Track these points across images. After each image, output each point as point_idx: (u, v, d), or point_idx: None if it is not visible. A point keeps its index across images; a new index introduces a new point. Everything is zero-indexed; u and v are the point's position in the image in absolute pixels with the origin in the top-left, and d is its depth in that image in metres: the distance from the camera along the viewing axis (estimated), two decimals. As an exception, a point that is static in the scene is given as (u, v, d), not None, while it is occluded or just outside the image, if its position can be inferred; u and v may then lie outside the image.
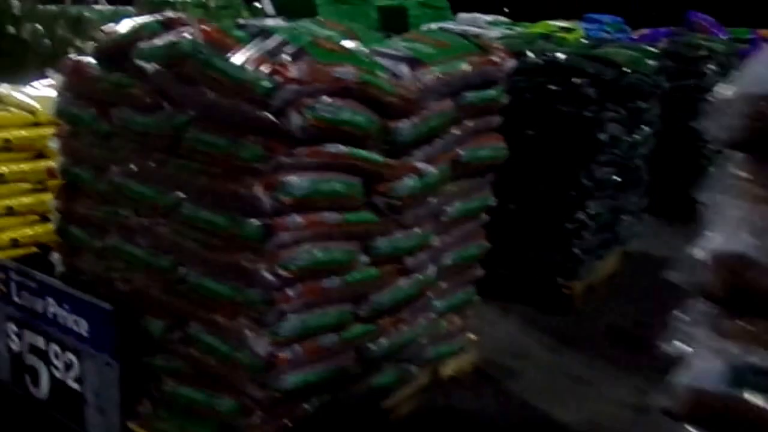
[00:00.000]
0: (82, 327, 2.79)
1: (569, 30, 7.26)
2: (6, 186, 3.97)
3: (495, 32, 5.41)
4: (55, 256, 3.08)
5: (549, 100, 4.03)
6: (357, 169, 2.55)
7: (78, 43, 6.92)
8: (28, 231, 4.07)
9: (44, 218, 4.10)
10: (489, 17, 7.83)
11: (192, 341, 2.61)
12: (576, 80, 3.92)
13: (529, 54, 4.16)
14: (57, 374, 2.93)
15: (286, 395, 2.52)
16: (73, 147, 2.90)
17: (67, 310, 2.83)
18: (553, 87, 4.00)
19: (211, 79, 2.34)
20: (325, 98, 2.35)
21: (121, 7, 8.92)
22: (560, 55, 4.08)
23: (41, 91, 4.24)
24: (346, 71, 2.40)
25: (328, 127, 2.38)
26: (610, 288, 4.60)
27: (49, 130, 4.00)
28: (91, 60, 2.80)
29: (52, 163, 4.05)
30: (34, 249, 4.06)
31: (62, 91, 2.86)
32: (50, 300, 2.89)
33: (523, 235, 4.11)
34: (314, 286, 2.51)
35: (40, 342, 2.97)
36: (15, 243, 4.02)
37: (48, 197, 4.03)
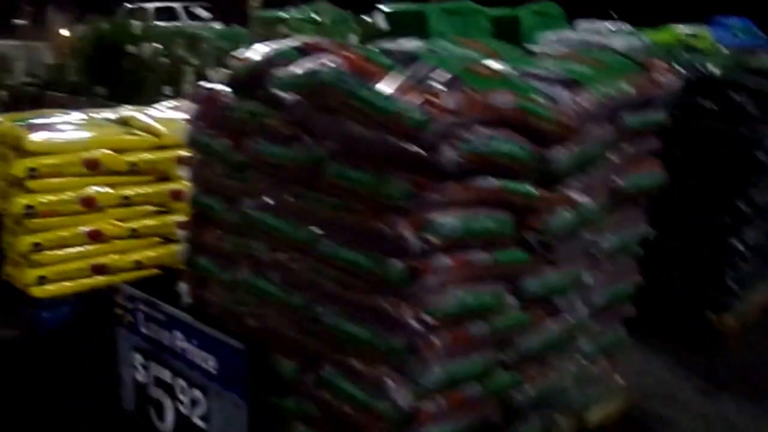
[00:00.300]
0: (211, 364, 2.66)
1: (697, 36, 6.77)
2: (131, 209, 3.94)
3: (620, 41, 5.05)
4: (182, 287, 2.97)
5: (701, 118, 3.67)
6: (508, 203, 2.32)
7: (194, 61, 6.97)
8: (151, 253, 4.03)
9: (167, 240, 4.06)
10: (611, 24, 7.42)
11: (325, 385, 2.43)
12: (734, 95, 3.55)
13: (676, 67, 3.81)
14: (182, 410, 2.82)
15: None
16: (204, 176, 2.78)
17: (196, 346, 2.71)
18: (706, 103, 3.64)
19: (356, 110, 2.16)
20: (481, 129, 2.13)
21: (235, 27, 8.99)
22: (713, 68, 3.72)
23: (165, 113, 4.20)
24: (503, 99, 2.18)
25: (481, 161, 2.16)
26: (765, 322, 4.18)
27: (173, 153, 3.97)
28: (224, 88, 2.68)
29: (176, 186, 4.02)
30: (156, 271, 4.04)
31: (194, 119, 2.75)
32: (178, 334, 2.78)
33: (669, 266, 3.76)
34: (460, 332, 2.29)
35: (166, 375, 2.87)
36: (139, 265, 3.98)
37: (171, 220, 4.01)
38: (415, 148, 2.07)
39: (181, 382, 2.80)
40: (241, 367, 2.55)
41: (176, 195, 4.03)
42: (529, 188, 2.35)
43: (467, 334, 2.31)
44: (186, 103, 4.33)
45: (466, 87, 2.14)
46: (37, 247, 3.73)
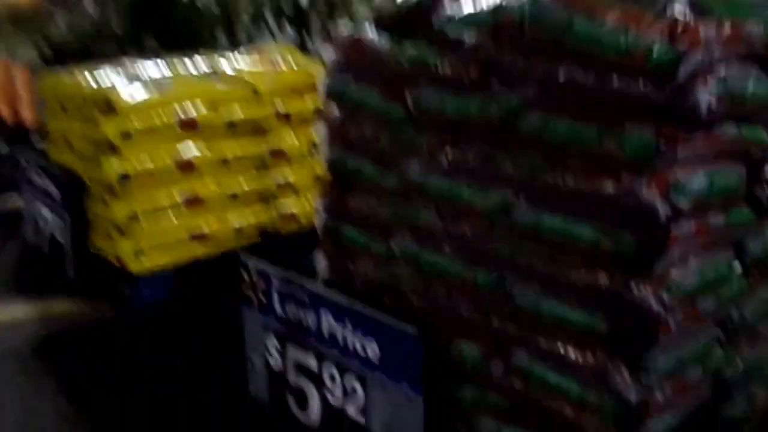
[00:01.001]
0: (371, 350, 2.32)
1: None
2: (229, 171, 3.59)
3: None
4: (320, 261, 2.62)
5: None
6: (744, 154, 1.92)
7: (250, 9, 6.50)
8: (252, 218, 3.70)
9: (265, 201, 3.73)
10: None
11: (519, 374, 2.09)
12: None
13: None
14: (332, 400, 2.50)
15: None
16: (347, 135, 2.40)
17: (351, 329, 2.37)
18: None
19: (571, 48, 1.76)
20: (736, 68, 1.73)
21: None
22: None
23: (246, 64, 3.81)
24: (755, 30, 1.76)
25: (732, 105, 1.76)
26: None
27: (271, 108, 3.60)
28: (371, 33, 2.28)
29: (275, 144, 3.66)
30: (257, 238, 3.71)
31: (336, 69, 2.36)
32: (327, 315, 2.44)
33: None
34: (692, 310, 1.92)
35: (310, 362, 2.54)
36: (239, 232, 3.65)
37: (271, 181, 3.66)
38: (659, 93, 1.67)
39: (332, 370, 2.47)
40: (413, 354, 2.21)
41: (276, 154, 3.68)
42: (765, 135, 1.95)
43: (698, 311, 1.94)
44: (260, 54, 3.95)
45: (711, 15, 1.73)
46: (133, 218, 3.40)
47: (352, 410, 2.44)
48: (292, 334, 2.59)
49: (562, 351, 1.99)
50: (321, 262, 2.62)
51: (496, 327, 2.12)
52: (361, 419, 2.42)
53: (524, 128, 1.92)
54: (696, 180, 1.76)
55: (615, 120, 1.76)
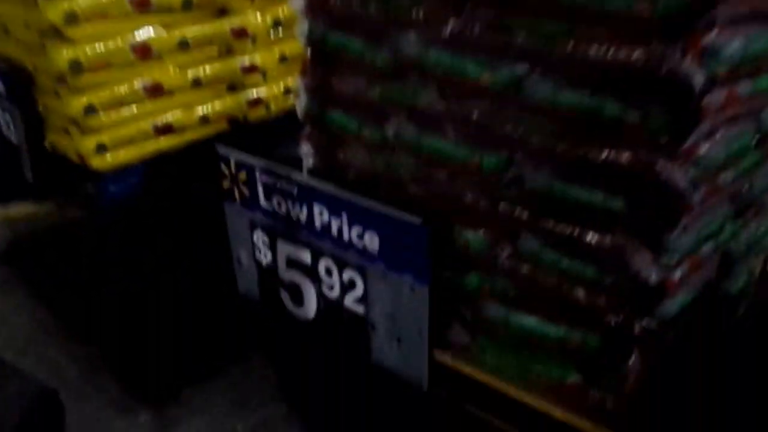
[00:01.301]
0: (370, 242, 2.20)
1: None
2: (190, 54, 3.31)
3: None
4: (305, 150, 2.44)
5: None
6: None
7: None
8: (218, 104, 3.45)
9: (233, 88, 3.47)
10: None
11: (527, 258, 1.99)
12: None
13: None
14: (329, 294, 2.39)
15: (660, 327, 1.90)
16: (329, 7, 2.17)
17: (348, 222, 2.23)
18: None
19: None
20: None
21: None
22: None
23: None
24: None
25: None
26: None
27: (231, -20, 3.29)
28: None
29: (238, 22, 3.37)
30: (224, 125, 3.49)
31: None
32: (319, 208, 2.29)
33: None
34: (714, 186, 1.82)
35: (303, 256, 2.41)
36: (205, 120, 3.41)
37: (236, 64, 3.40)
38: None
39: (327, 263, 2.35)
40: (417, 244, 2.09)
41: (239, 34, 3.39)
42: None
43: (719, 185, 1.84)
44: None
45: None
46: (91, 110, 3.13)
47: (350, 303, 2.35)
48: (282, 228, 2.44)
49: (576, 234, 1.88)
50: (306, 151, 2.44)
51: (503, 212, 2.00)
52: (360, 311, 2.32)
53: (539, -8, 1.72)
54: (733, 44, 1.61)
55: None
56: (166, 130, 3.31)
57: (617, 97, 1.68)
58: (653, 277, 1.79)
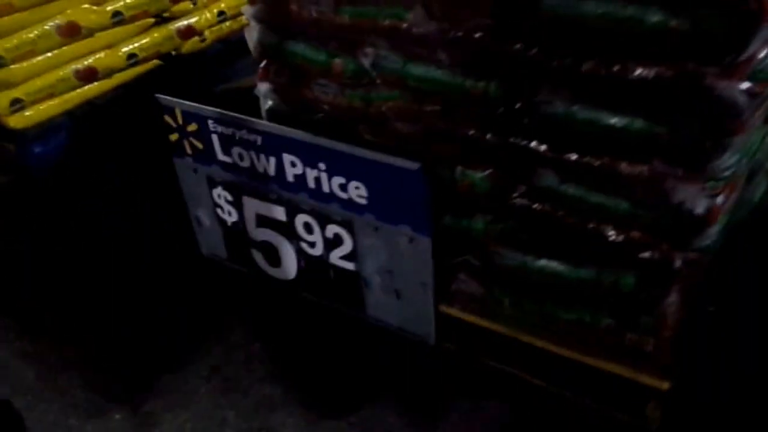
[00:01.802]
0: (356, 193, 1.91)
1: None
2: (106, -17, 2.86)
3: None
4: (262, 90, 2.10)
5: None
6: None
7: None
8: (146, 40, 3.03)
9: (162, 20, 3.05)
10: None
11: (546, 197, 1.74)
12: None
13: None
14: (310, 251, 2.11)
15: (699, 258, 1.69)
16: None
17: (327, 171, 1.93)
18: None
19: None
20: None
21: None
22: None
23: None
24: None
25: None
26: None
27: None
28: None
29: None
30: (156, 62, 3.08)
31: None
32: (291, 158, 1.97)
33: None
34: (763, 98, 1.56)
35: (276, 212, 2.11)
36: (133, 59, 3.00)
37: (161, -10, 2.97)
38: None
39: (305, 219, 2.05)
40: (415, 191, 1.81)
41: (160, -45, 2.95)
42: None
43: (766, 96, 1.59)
44: None
45: None
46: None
47: (337, 260, 2.07)
48: (247, 184, 2.12)
49: (606, 166, 1.63)
50: (264, 92, 2.10)
51: (514, 146, 1.72)
52: (350, 267, 2.05)
53: None
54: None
55: None
56: (89, 75, 2.89)
57: (663, 3, 1.39)
58: (699, 207, 1.56)
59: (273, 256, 2.21)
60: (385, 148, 1.81)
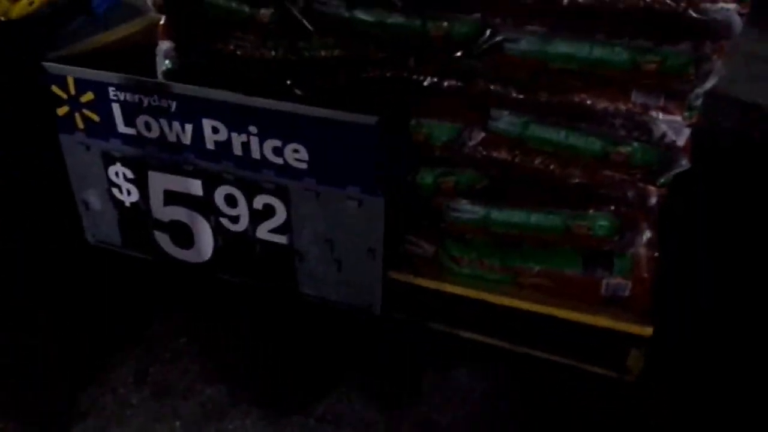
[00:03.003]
0: (294, 156, 1.70)
1: None
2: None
3: None
4: (163, 46, 1.82)
5: None
6: None
7: None
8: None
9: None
10: None
11: (506, 141, 1.64)
12: None
13: None
14: (231, 227, 1.88)
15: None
16: None
17: (259, 135, 1.71)
18: None
19: None
20: None
21: None
22: None
23: None
24: None
25: None
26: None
27: None
28: None
29: None
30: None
31: None
32: (212, 123, 1.73)
33: None
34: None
35: (190, 186, 1.85)
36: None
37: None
38: None
39: (228, 190, 1.82)
40: (368, 149, 1.64)
41: None
42: None
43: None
44: None
45: None
46: None
47: (265, 234, 1.85)
48: (155, 157, 1.84)
49: (579, 103, 1.55)
50: (165, 50, 1.81)
51: (476, 89, 1.60)
52: (282, 241, 1.85)
53: None
54: None
55: None
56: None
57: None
58: (680, 137, 1.52)
59: (183, 236, 1.94)
60: (329, 102, 1.62)
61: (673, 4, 1.38)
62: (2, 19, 2.71)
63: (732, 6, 1.37)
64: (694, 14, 1.38)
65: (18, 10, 2.76)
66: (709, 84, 1.48)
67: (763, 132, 2.64)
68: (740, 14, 1.38)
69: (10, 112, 2.45)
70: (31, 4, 2.80)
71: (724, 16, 1.37)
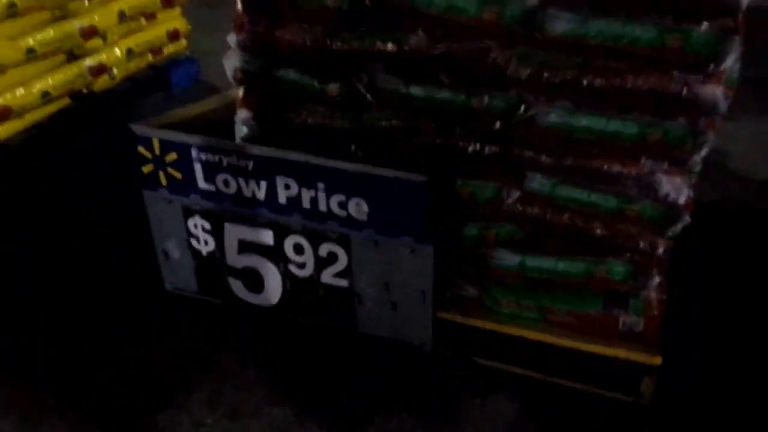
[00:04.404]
0: (356, 209, 2.00)
1: None
2: (20, 20, 2.77)
3: None
4: (242, 114, 2.14)
5: None
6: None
7: None
8: (59, 77, 2.95)
9: (71, 56, 2.98)
10: None
11: (539, 199, 1.93)
12: None
13: None
14: (299, 272, 2.16)
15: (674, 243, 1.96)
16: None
17: (326, 190, 2.00)
18: None
19: None
20: None
21: None
22: None
23: None
24: None
25: None
26: None
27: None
28: None
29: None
30: (68, 101, 3.00)
31: None
32: (285, 180, 2.03)
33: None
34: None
35: (263, 237, 2.14)
36: (47, 96, 2.91)
37: (73, 27, 2.91)
38: None
39: (296, 240, 2.10)
40: (419, 203, 1.93)
41: (74, -9, 2.89)
42: None
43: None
44: None
45: None
46: None
47: (329, 278, 2.13)
48: (230, 210, 2.14)
49: (599, 167, 1.84)
50: (244, 118, 2.13)
51: (513, 155, 1.90)
52: (343, 284, 2.12)
53: None
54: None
55: None
56: (3, 114, 2.76)
57: (657, 23, 1.63)
58: (682, 197, 1.81)
59: (255, 282, 2.22)
60: (387, 163, 1.91)
61: (671, 86, 1.68)
62: (85, 91, 3.07)
63: (719, 88, 1.67)
64: (688, 95, 1.68)
65: (100, 84, 3.13)
66: (704, 152, 1.77)
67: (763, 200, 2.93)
68: (726, 96, 1.68)
69: (95, 172, 2.78)
70: (112, 78, 3.17)
71: (713, 97, 1.67)
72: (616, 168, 1.83)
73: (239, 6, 2.01)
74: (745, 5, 1.60)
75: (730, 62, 1.69)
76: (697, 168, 1.85)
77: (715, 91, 1.68)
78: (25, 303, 2.36)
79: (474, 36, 1.79)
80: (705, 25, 1.62)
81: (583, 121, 1.79)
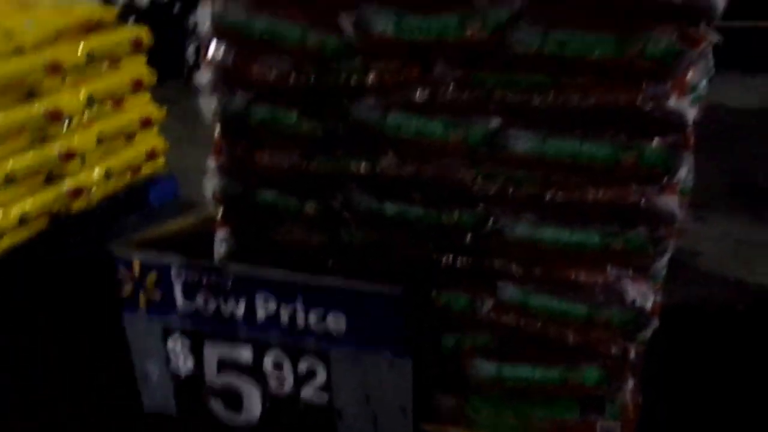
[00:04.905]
0: (335, 323, 2.04)
1: None
2: None
3: None
4: (220, 234, 2.20)
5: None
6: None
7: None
8: (37, 200, 3.02)
9: (49, 179, 3.05)
10: None
11: (512, 308, 1.99)
12: None
13: None
14: (278, 390, 2.17)
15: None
16: (253, 79, 1.99)
17: (304, 306, 2.04)
18: None
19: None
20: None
21: None
22: None
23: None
24: None
25: None
26: None
27: (38, 58, 2.88)
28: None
29: (50, 104, 2.98)
30: (43, 223, 3.05)
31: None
32: (263, 296, 2.07)
33: None
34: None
35: (242, 354, 2.16)
36: (23, 220, 2.96)
37: (52, 151, 3.00)
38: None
39: (276, 357, 2.13)
40: (397, 315, 1.98)
41: (54, 116, 2.99)
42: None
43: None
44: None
45: None
46: None
47: (309, 395, 2.14)
48: (210, 329, 2.16)
49: (567, 276, 1.92)
50: (223, 237, 2.20)
51: (483, 266, 1.97)
52: (323, 400, 2.13)
53: (518, 46, 1.73)
54: (701, 79, 1.76)
55: (632, 27, 1.66)
56: (-20, 239, 2.79)
57: (611, 140, 1.75)
58: (648, 303, 1.88)
59: (234, 401, 2.23)
60: (365, 277, 1.97)
61: (629, 198, 1.79)
62: (63, 210, 3.12)
63: (675, 198, 1.78)
64: (646, 206, 1.78)
65: (78, 204, 3.19)
66: (665, 259, 1.87)
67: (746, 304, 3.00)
68: (680, 205, 1.79)
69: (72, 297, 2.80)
70: (90, 199, 3.23)
71: (669, 207, 1.78)
72: (584, 276, 1.90)
73: (217, 132, 2.11)
74: (691, 122, 1.72)
75: (683, 174, 1.80)
76: (662, 273, 1.94)
77: (670, 201, 1.79)
78: None
79: (442, 156, 1.90)
80: (657, 141, 1.73)
81: (548, 232, 1.88)
